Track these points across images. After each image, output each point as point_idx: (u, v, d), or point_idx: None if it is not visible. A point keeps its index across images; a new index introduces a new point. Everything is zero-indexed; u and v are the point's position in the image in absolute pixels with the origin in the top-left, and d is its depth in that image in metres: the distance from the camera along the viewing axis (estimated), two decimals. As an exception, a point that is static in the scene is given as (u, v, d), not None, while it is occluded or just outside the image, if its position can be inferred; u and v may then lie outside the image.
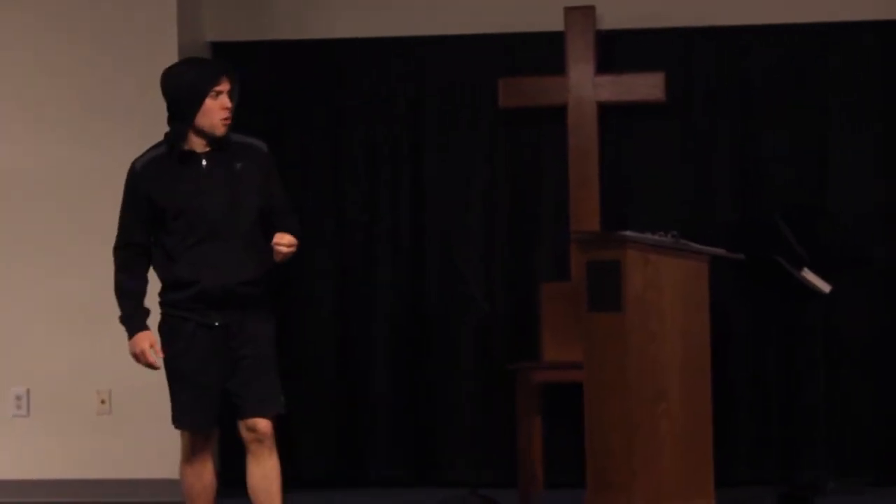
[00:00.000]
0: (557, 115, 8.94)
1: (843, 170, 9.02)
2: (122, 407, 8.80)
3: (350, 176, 9.31)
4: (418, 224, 9.29)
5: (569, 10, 8.87)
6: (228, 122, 6.00)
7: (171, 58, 8.64)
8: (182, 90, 6.00)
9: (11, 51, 8.99)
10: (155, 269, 6.12)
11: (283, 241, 5.99)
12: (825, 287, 8.33)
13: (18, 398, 8.87)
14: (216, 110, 5.96)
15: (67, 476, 8.77)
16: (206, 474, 6.19)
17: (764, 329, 9.01)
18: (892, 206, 9.00)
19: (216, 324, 6.02)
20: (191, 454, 6.18)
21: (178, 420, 6.16)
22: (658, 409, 7.60)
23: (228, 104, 5.98)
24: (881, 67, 9.05)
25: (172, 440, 8.67)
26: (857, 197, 9.00)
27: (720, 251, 7.81)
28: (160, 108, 8.73)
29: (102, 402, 8.82)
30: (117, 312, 8.68)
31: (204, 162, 6.02)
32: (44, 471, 8.79)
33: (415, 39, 9.22)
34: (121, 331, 8.68)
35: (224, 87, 5.99)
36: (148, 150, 6.13)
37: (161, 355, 6.05)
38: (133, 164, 6.10)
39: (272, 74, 9.27)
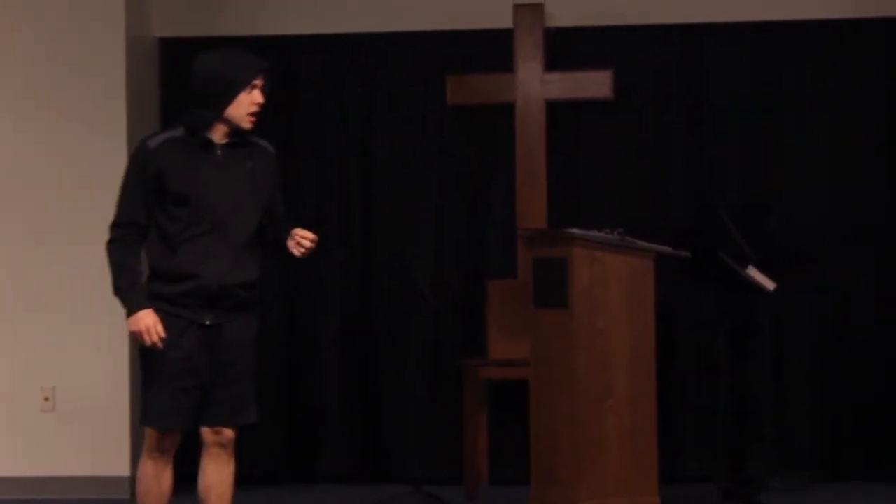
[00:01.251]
0: (506, 111, 8.99)
1: (793, 168, 9.05)
2: (65, 404, 8.75)
3: (302, 174, 9.26)
4: (368, 222, 9.26)
5: (518, 8, 8.90)
6: (255, 117, 5.95)
7: (119, 53, 8.90)
8: (219, 80, 5.88)
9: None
10: (149, 256, 5.99)
11: (308, 237, 5.97)
12: (769, 285, 8.34)
13: (-37, 396, 8.68)
14: (247, 104, 5.90)
15: (11, 474, 8.74)
16: (166, 476, 6.04)
17: (709, 326, 8.96)
18: (840, 204, 9.04)
19: (207, 323, 5.92)
20: (156, 454, 6.00)
21: (153, 419, 5.97)
22: (604, 405, 7.63)
23: (260, 100, 5.92)
24: (833, 66, 9.08)
25: (116, 438, 8.74)
26: (807, 195, 9.03)
27: (666, 249, 7.82)
28: (107, 101, 8.81)
29: (46, 399, 8.77)
30: (63, 310, 8.81)
31: (219, 152, 5.95)
32: (-12, 468, 8.62)
33: (366, 36, 9.19)
34: (65, 328, 8.87)
35: (260, 82, 5.93)
36: (162, 131, 6.06)
37: (164, 335, 5.88)
38: (145, 141, 5.96)
39: None
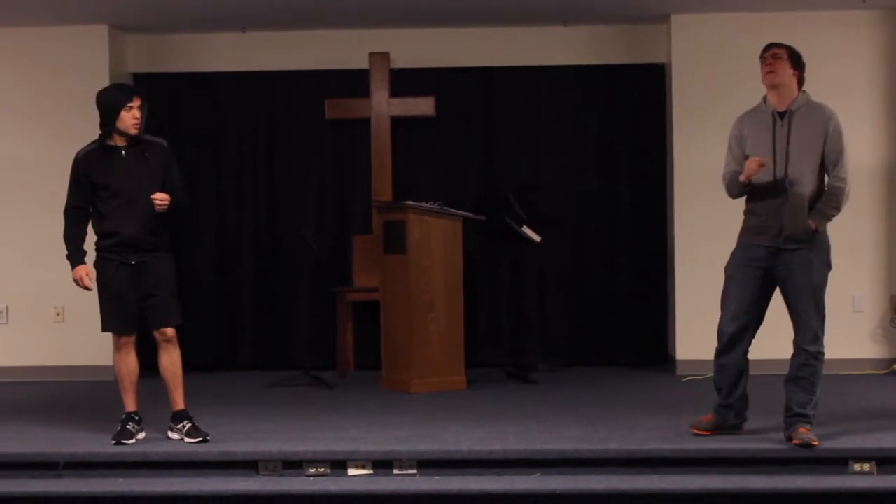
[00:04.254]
0: (364, 124, 8.97)
1: (550, 165, 9.08)
2: (71, 318, 8.77)
3: (224, 168, 9.16)
4: (272, 197, 9.16)
5: (372, 55, 8.91)
6: (137, 125, 6.11)
7: (104, 85, 8.54)
8: (108, 105, 6.12)
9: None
10: (92, 224, 6.22)
11: (157, 197, 6.10)
12: (537, 238, 8.42)
13: (0, 312, 8.87)
14: (129, 118, 6.09)
15: (36, 364, 8.81)
16: (130, 361, 6.26)
17: (498, 265, 9.06)
18: (580, 188, 9.09)
19: (133, 262, 6.15)
20: (118, 348, 6.26)
21: (106, 325, 6.25)
22: (429, 316, 7.93)
23: (137, 115, 6.11)
24: (577, 98, 9.07)
25: (104, 339, 8.54)
26: (559, 183, 9.07)
27: (469, 214, 8.07)
28: (93, 119, 8.80)
29: (58, 314, 8.81)
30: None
31: (123, 153, 6.15)
32: (19, 360, 8.83)
33: (273, 72, 9.11)
34: (70, 267, 8.72)
35: (135, 103, 6.11)
36: (86, 146, 6.25)
37: (94, 281, 6.11)
38: (77, 154, 6.22)
39: (176, 95, 9.10)
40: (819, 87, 8.58)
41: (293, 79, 9.17)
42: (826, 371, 8.28)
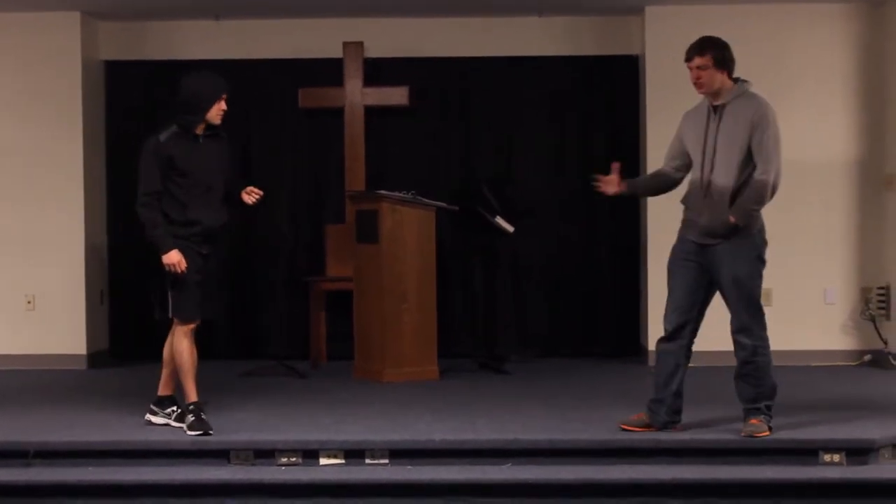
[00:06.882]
0: (338, 113, 8.96)
1: (525, 155, 9.12)
2: (42, 306, 8.75)
3: None
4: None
5: (346, 44, 8.90)
6: (222, 116, 6.16)
7: (76, 72, 8.73)
8: (205, 93, 6.10)
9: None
10: (165, 209, 6.08)
11: (258, 191, 6.25)
12: (510, 228, 8.42)
13: (-29, 301, 8.76)
14: (218, 109, 6.13)
15: (6, 352, 8.74)
16: (194, 349, 6.20)
17: (471, 255, 9.10)
18: (554, 179, 9.12)
19: (205, 252, 6.15)
20: (186, 335, 6.14)
21: (181, 311, 6.13)
22: (401, 307, 7.91)
23: (225, 107, 6.16)
24: (554, 89, 9.11)
25: (75, 329, 8.68)
26: (533, 173, 9.11)
27: (442, 204, 8.07)
28: (68, 105, 8.64)
29: (28, 302, 8.76)
30: (41, 245, 8.62)
31: (202, 141, 6.16)
32: (-8, 348, 8.71)
33: (246, 61, 9.07)
34: (42, 257, 8.61)
35: (225, 96, 6.16)
36: (164, 131, 6.12)
37: (186, 266, 6.02)
38: (157, 137, 6.09)
39: (148, 83, 9.04)
40: (791, 79, 8.67)
41: (267, 67, 9.15)
42: (797, 362, 8.44)
